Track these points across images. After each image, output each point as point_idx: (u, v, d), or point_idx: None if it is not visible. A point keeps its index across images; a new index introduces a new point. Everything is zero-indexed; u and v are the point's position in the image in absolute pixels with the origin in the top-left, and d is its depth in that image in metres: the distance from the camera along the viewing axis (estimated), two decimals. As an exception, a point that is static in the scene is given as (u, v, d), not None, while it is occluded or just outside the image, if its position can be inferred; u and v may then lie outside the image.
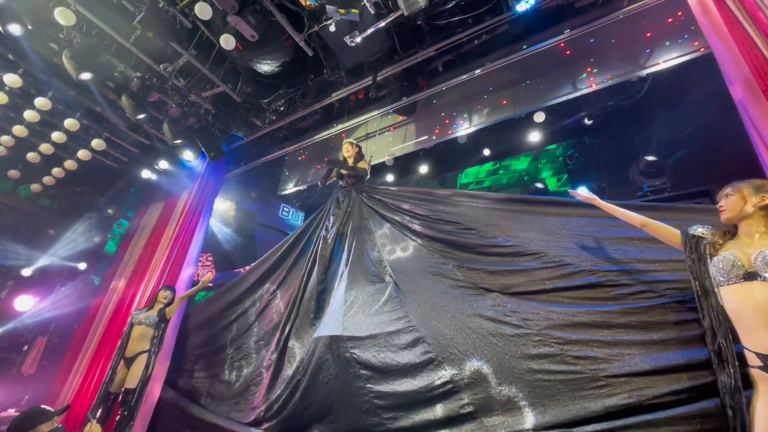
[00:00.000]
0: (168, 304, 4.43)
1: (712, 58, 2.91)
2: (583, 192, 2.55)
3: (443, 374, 2.60)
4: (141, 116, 5.13)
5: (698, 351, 1.94)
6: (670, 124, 5.66)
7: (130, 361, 4.05)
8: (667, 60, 4.37)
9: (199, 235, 5.91)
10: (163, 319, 4.30)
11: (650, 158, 5.10)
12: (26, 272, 6.47)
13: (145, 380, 3.96)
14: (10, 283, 6.20)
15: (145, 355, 4.07)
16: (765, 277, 1.54)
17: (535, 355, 2.38)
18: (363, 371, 2.89)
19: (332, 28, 4.66)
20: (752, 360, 1.56)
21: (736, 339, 1.66)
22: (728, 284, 1.65)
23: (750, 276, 1.59)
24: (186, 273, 5.56)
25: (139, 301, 5.27)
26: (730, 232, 1.80)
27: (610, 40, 4.78)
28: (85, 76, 4.37)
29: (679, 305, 2.13)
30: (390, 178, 7.23)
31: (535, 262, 2.79)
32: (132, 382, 3.91)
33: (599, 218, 2.77)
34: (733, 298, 1.64)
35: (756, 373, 1.55)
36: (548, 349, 2.36)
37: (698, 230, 1.89)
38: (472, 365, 2.54)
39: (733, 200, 1.76)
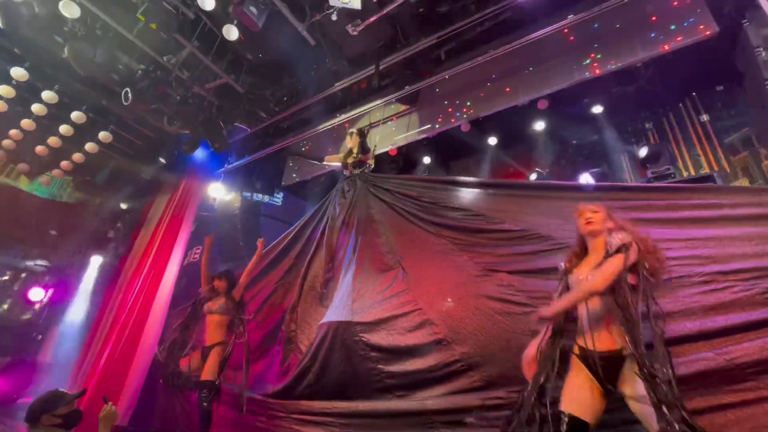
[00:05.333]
0: (230, 288, 3.93)
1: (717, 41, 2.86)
2: None
3: (453, 354, 2.67)
4: (146, 109, 5.17)
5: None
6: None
7: (207, 351, 3.69)
8: (672, 44, 4.34)
9: (185, 228, 6.06)
10: (234, 303, 3.86)
11: (649, 145, 5.10)
12: (36, 265, 6.58)
13: (221, 371, 3.62)
14: (23, 275, 6.32)
15: (221, 347, 3.70)
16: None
17: (542, 331, 2.43)
18: (373, 353, 2.96)
19: (334, 17, 4.66)
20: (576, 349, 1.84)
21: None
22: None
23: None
24: (172, 266, 5.71)
25: (142, 292, 5.36)
26: (578, 254, 2.00)
27: (614, 25, 4.73)
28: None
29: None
30: (394, 168, 7.23)
31: (541, 244, 2.84)
32: (209, 374, 3.53)
33: (606, 201, 2.79)
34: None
35: (573, 358, 1.83)
36: (555, 326, 2.40)
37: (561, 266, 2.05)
38: (481, 344, 2.60)
39: (600, 216, 1.94)
